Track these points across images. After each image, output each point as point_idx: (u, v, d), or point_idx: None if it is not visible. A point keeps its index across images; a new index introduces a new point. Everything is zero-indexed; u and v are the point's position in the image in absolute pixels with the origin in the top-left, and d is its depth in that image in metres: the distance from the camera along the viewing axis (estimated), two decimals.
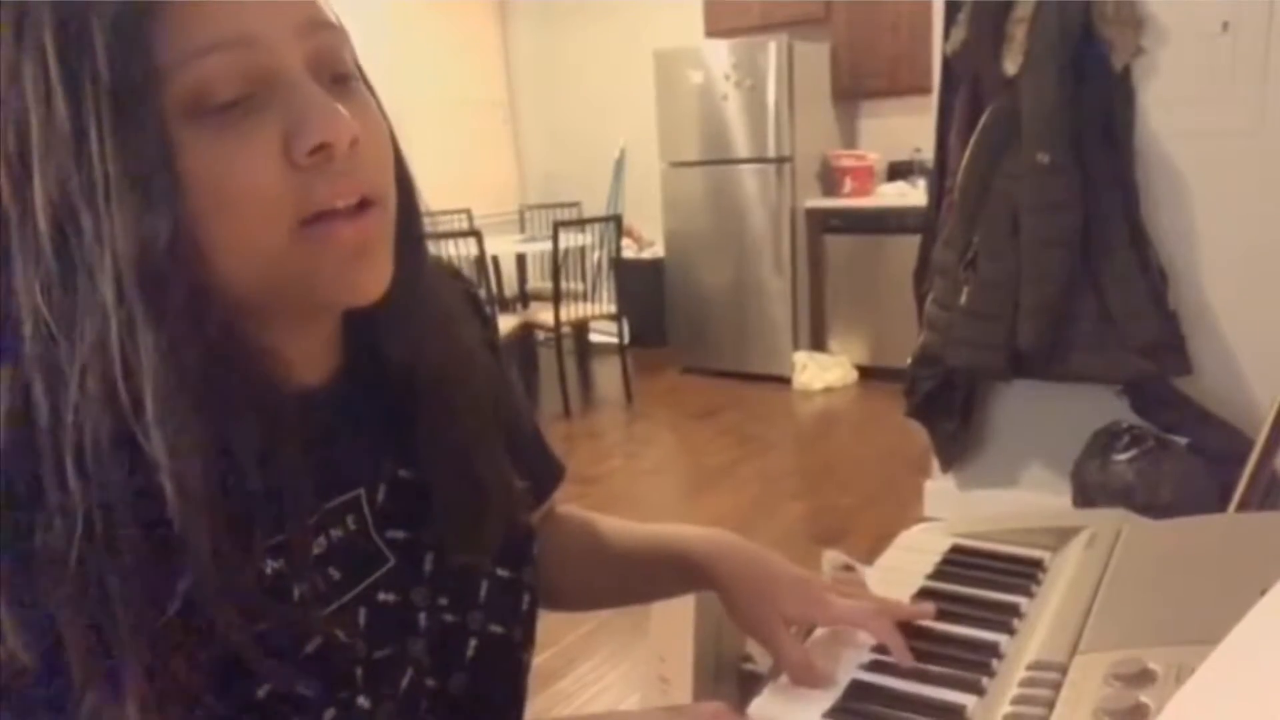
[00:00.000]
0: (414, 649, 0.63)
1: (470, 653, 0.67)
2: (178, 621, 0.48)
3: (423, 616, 0.64)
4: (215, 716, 0.51)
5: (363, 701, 0.58)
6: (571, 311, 4.79)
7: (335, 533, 0.60)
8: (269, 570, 0.54)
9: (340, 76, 0.54)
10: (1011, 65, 2.62)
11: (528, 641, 0.72)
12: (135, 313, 0.46)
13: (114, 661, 0.47)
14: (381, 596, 0.62)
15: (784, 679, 0.72)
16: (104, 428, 0.46)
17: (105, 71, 0.46)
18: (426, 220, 0.64)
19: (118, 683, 0.47)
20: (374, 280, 0.55)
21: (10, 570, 0.47)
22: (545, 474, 0.82)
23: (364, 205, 0.53)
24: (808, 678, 0.70)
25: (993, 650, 0.71)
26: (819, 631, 0.77)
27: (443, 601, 0.65)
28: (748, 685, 0.81)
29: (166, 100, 0.47)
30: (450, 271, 0.76)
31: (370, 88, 0.58)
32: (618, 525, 0.88)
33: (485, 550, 0.67)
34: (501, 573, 0.69)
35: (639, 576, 0.87)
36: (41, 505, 0.46)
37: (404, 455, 0.64)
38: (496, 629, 0.68)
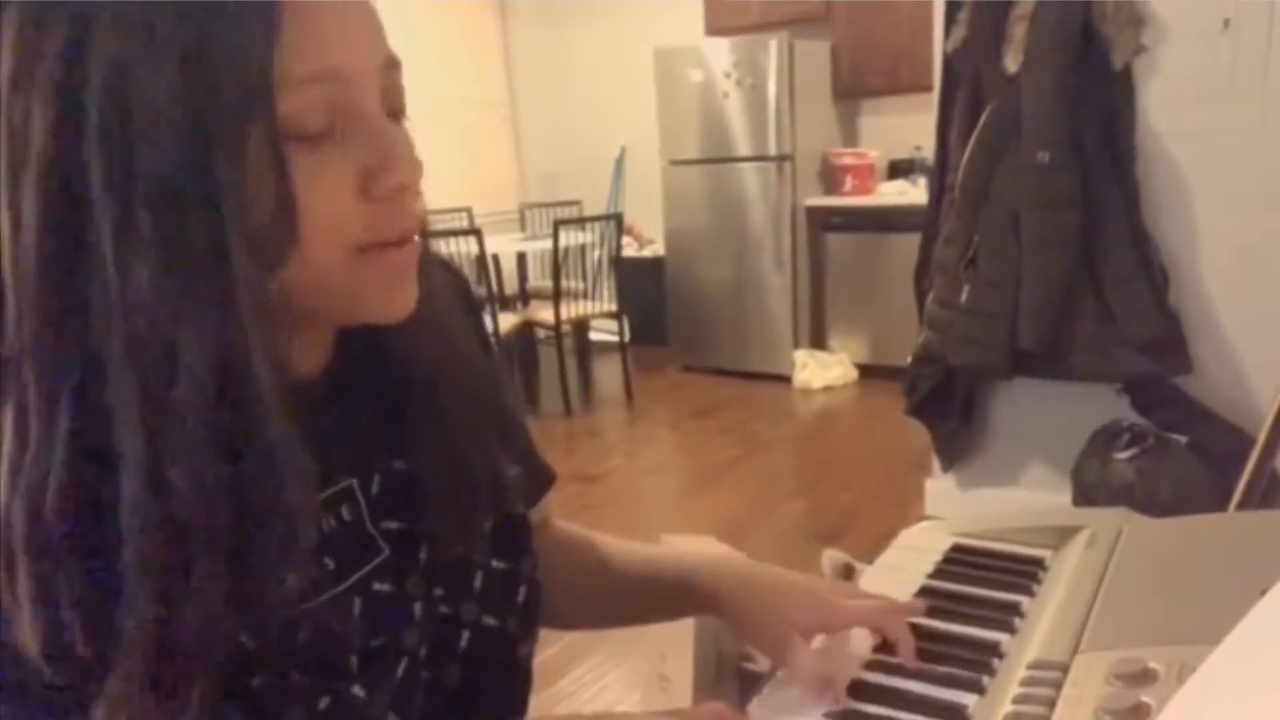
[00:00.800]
0: (408, 639, 0.63)
1: (463, 644, 0.67)
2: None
3: (417, 607, 0.64)
4: (209, 706, 0.51)
5: (357, 691, 0.59)
6: (572, 310, 4.79)
7: (329, 523, 0.60)
8: None
9: (399, 112, 0.57)
10: (1012, 64, 2.61)
11: (525, 634, 0.72)
12: (247, 322, 0.48)
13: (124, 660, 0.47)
14: (376, 586, 0.62)
15: (783, 678, 0.72)
16: (202, 451, 0.47)
17: (227, 95, 0.47)
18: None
19: (127, 680, 0.47)
20: (410, 301, 0.58)
21: (49, 572, 0.47)
22: (533, 479, 0.82)
23: (413, 236, 0.56)
24: (826, 687, 0.70)
25: (994, 649, 0.71)
26: (818, 636, 0.77)
27: (438, 592, 0.65)
28: (748, 684, 0.81)
29: (273, 120, 0.49)
30: (440, 263, 0.76)
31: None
32: (619, 548, 0.87)
33: (476, 538, 0.67)
34: (497, 564, 0.69)
35: (640, 601, 0.87)
36: (103, 514, 0.46)
37: (397, 446, 0.65)
38: (490, 621, 0.68)
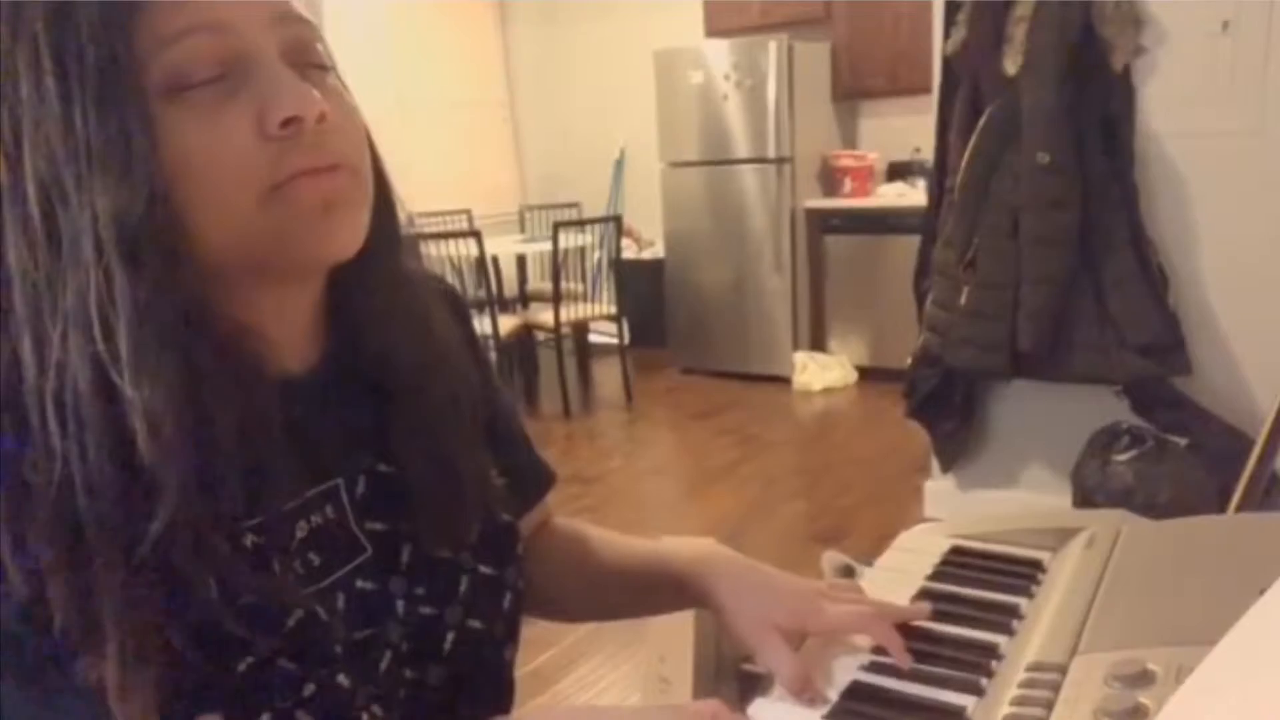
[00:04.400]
0: (392, 633, 0.65)
1: (448, 646, 0.68)
2: (153, 572, 0.50)
3: (400, 604, 0.65)
4: (198, 689, 0.53)
5: (342, 680, 0.59)
6: (571, 312, 4.79)
7: (314, 519, 0.62)
8: (249, 544, 0.56)
9: (312, 65, 0.58)
10: (1011, 65, 2.62)
11: (509, 639, 0.73)
12: (113, 269, 0.50)
13: (93, 606, 0.49)
14: (360, 584, 0.64)
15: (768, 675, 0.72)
16: (83, 375, 0.50)
17: (91, 55, 0.51)
18: (418, 220, 0.65)
19: (97, 630, 0.49)
20: (345, 236, 0.59)
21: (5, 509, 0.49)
22: (533, 479, 0.83)
23: (333, 168, 0.57)
24: (802, 692, 0.69)
25: (992, 651, 0.71)
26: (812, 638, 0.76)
27: (420, 592, 0.66)
28: (748, 685, 0.81)
29: (147, 81, 0.52)
30: (429, 275, 0.77)
31: (343, 85, 0.62)
32: (610, 540, 0.87)
33: (461, 543, 0.68)
34: (484, 569, 0.70)
35: (631, 593, 0.87)
36: (29, 448, 0.50)
37: (383, 449, 0.66)
38: (475, 624, 0.69)
